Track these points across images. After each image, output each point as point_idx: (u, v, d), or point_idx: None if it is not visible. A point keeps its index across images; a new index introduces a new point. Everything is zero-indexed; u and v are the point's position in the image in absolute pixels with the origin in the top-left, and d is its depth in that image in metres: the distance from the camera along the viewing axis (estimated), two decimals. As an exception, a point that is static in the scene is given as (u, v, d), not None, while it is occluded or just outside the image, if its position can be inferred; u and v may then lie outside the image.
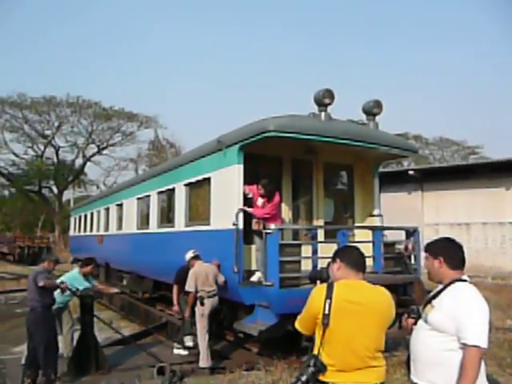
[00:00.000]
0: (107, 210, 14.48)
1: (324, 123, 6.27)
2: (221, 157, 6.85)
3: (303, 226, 7.66)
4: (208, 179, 7.37)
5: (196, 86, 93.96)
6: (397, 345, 6.65)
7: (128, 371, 6.25)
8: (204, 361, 6.17)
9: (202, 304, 6.31)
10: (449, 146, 45.65)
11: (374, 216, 8.32)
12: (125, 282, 12.88)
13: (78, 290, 6.39)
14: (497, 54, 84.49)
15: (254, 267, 6.64)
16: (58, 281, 6.31)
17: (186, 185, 8.43)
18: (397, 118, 51.55)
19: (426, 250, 2.71)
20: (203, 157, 7.64)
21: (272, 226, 5.79)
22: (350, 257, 2.59)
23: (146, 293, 11.21)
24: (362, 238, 7.01)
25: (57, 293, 6.03)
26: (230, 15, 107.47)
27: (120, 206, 12.95)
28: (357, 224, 8.34)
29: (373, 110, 6.87)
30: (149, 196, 10.46)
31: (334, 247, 6.03)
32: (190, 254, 6.74)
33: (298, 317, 2.62)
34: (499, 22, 68.89)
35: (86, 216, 18.34)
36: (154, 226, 10.06)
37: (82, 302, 6.31)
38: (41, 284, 5.50)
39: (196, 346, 6.51)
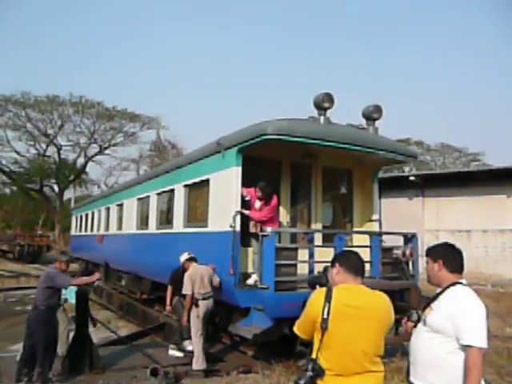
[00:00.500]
0: (108, 209, 14.50)
1: (323, 127, 6.26)
2: (220, 159, 6.85)
3: (300, 229, 7.64)
4: (207, 181, 7.38)
5: (198, 88, 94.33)
6: (395, 351, 6.62)
7: (122, 371, 6.23)
8: (198, 363, 6.15)
9: (197, 306, 6.30)
10: (450, 153, 45.58)
11: (372, 221, 8.30)
12: (123, 282, 12.88)
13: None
14: (499, 60, 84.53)
15: (250, 270, 6.62)
16: None
17: (185, 186, 8.43)
18: (399, 124, 51.59)
19: (426, 254, 2.78)
20: (203, 158, 7.65)
21: (268, 228, 5.78)
22: (349, 261, 2.60)
23: (144, 293, 11.20)
24: (360, 243, 7.01)
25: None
26: (231, 16, 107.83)
27: (120, 206, 12.97)
28: (355, 229, 8.33)
29: (372, 114, 6.86)
30: (149, 197, 10.47)
31: (331, 251, 6.10)
32: (184, 256, 6.74)
33: (297, 321, 2.62)
34: (502, 28, 68.83)
35: (87, 215, 18.37)
36: (153, 227, 10.07)
37: (77, 302, 6.30)
38: (75, 282, 5.68)
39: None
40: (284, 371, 5.38)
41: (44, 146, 41.59)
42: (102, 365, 6.35)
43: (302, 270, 6.14)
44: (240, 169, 6.44)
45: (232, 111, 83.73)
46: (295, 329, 2.61)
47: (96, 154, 43.26)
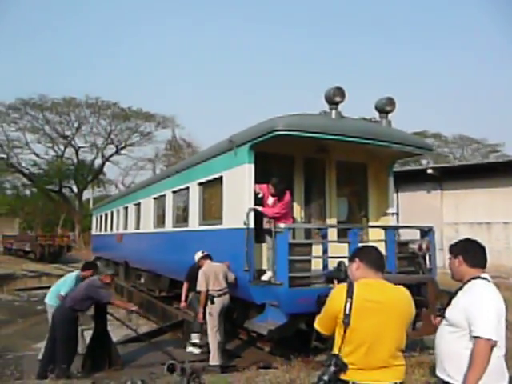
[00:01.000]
0: (126, 209, 14.71)
1: (334, 121, 6.20)
2: (232, 156, 6.86)
3: (314, 225, 7.59)
4: (220, 178, 7.40)
5: (213, 86, 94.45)
6: (415, 345, 6.58)
7: (141, 368, 6.33)
8: (214, 359, 6.21)
9: (213, 302, 6.35)
10: (469, 144, 44.70)
11: (388, 215, 8.21)
12: (142, 281, 13.07)
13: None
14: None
15: (265, 266, 6.63)
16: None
17: (199, 184, 8.48)
18: (416, 117, 50.78)
19: (449, 251, 2.85)
20: (215, 156, 7.67)
21: (281, 225, 5.78)
22: (369, 256, 2.61)
23: (163, 291, 11.33)
24: (376, 237, 6.93)
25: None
26: (246, 14, 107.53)
27: (138, 205, 13.14)
28: (371, 223, 8.25)
29: (385, 107, 6.76)
30: (164, 195, 10.57)
31: (345, 247, 6.07)
32: (199, 254, 6.80)
33: (317, 317, 2.63)
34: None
35: (106, 215, 18.64)
36: (169, 225, 10.16)
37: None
38: (112, 300, 5.87)
39: (205, 344, 6.56)
40: (304, 366, 5.38)
41: (62, 147, 42.45)
42: (122, 361, 6.47)
43: (317, 265, 6.12)
44: (252, 166, 6.43)
45: (247, 108, 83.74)
46: (316, 325, 2.62)
47: (113, 155, 43.90)
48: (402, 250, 6.73)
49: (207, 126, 77.12)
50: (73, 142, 42.16)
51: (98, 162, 43.88)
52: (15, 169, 40.87)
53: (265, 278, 6.24)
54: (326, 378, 2.34)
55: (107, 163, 44.31)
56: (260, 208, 6.47)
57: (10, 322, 10.37)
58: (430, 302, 5.85)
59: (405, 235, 8.21)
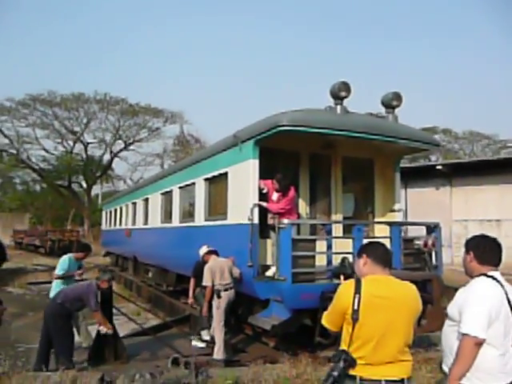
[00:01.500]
0: (134, 204, 14.83)
1: (340, 116, 6.17)
2: (237, 152, 6.86)
3: (318, 220, 7.57)
4: (225, 174, 7.41)
5: (221, 82, 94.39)
6: (422, 342, 6.56)
7: (146, 361, 6.39)
8: (219, 353, 6.25)
9: (219, 297, 6.39)
10: (479, 140, 44.14)
11: (394, 211, 8.16)
12: (150, 275, 13.19)
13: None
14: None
15: (270, 262, 6.64)
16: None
17: (205, 180, 8.51)
18: (425, 112, 50.27)
19: (464, 245, 2.84)
20: (221, 152, 7.69)
21: (285, 220, 5.77)
22: (376, 252, 2.61)
23: (170, 286, 11.42)
24: (382, 234, 6.90)
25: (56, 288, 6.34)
26: (252, 9, 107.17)
27: (146, 200, 13.24)
28: (377, 219, 8.20)
29: (392, 102, 6.71)
30: (171, 191, 10.63)
31: (351, 242, 6.05)
32: (203, 249, 6.82)
33: (325, 313, 2.65)
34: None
35: (115, 210, 18.81)
36: (176, 221, 10.22)
37: (101, 294, 6.47)
38: (94, 310, 5.78)
39: (213, 338, 6.59)
40: (311, 361, 5.40)
41: (71, 143, 42.67)
42: (127, 355, 6.53)
43: (321, 261, 6.11)
44: (257, 161, 6.43)
45: (255, 104, 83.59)
46: (323, 321, 2.64)
47: (121, 150, 44.04)
48: (408, 247, 6.71)
49: (215, 122, 77.20)
50: (82, 138, 42.40)
51: (107, 157, 44.13)
52: (25, 164, 41.23)
53: (269, 273, 6.25)
54: (335, 373, 2.36)
55: (116, 159, 44.53)
56: (264, 204, 6.47)
57: (21, 315, 10.52)
58: (435, 298, 5.82)
59: (412, 232, 8.15)
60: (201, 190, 8.63)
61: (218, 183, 8.02)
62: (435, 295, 5.84)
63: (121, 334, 7.22)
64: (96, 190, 47.03)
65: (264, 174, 6.69)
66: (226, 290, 6.41)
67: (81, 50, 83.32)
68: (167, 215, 11.02)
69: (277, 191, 6.59)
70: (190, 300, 7.51)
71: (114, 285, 14.04)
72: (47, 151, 41.88)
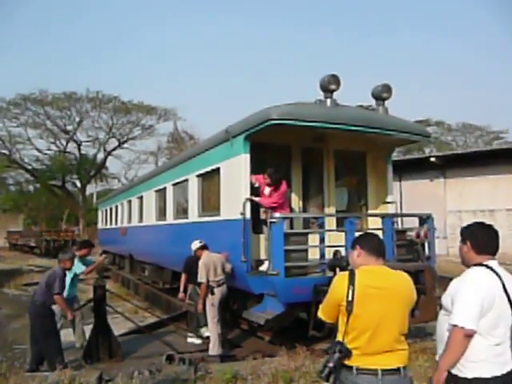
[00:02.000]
0: (129, 202, 14.80)
1: (329, 109, 6.15)
2: (228, 147, 6.84)
3: (309, 214, 7.57)
4: (217, 169, 7.39)
5: (213, 77, 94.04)
6: (418, 332, 6.60)
7: (142, 359, 6.38)
8: (214, 349, 6.26)
9: (213, 293, 6.39)
10: (472, 132, 44.34)
11: (387, 203, 8.18)
12: (146, 273, 13.17)
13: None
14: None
15: (263, 256, 6.64)
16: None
17: (198, 176, 8.48)
18: (419, 104, 50.35)
19: (460, 234, 2.78)
20: (213, 147, 7.66)
21: (276, 214, 5.77)
22: (370, 243, 2.63)
23: (166, 283, 11.41)
24: (376, 226, 6.91)
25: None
26: (243, 6, 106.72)
27: (140, 198, 13.22)
28: (370, 211, 8.22)
29: (382, 94, 6.70)
30: (165, 188, 10.60)
31: (343, 235, 6.06)
32: (196, 245, 6.81)
33: (320, 306, 2.66)
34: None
35: (111, 209, 18.78)
36: (170, 218, 10.20)
37: (95, 292, 6.46)
38: (56, 297, 5.67)
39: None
40: (309, 354, 5.42)
41: (64, 142, 42.44)
42: (122, 353, 6.52)
43: (314, 254, 6.12)
44: (248, 156, 6.42)
45: (249, 99, 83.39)
46: (319, 313, 2.65)
47: (115, 149, 43.85)
48: (401, 238, 6.72)
49: (210, 118, 76.90)
50: (75, 137, 42.16)
51: (101, 156, 43.94)
52: (18, 165, 40.99)
53: (263, 268, 6.25)
54: (331, 364, 2.38)
55: (110, 157, 44.38)
56: (256, 198, 6.46)
57: (18, 316, 10.46)
58: (428, 289, 5.84)
59: (407, 223, 8.16)
60: (194, 187, 8.61)
61: (210, 179, 8.00)
62: (428, 286, 5.87)
63: (117, 333, 7.22)
64: (90, 189, 46.91)
65: (256, 169, 6.68)
66: (218, 285, 6.42)
67: (71, 49, 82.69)
68: (161, 212, 11.00)
69: (268, 185, 6.59)
70: (181, 294, 7.54)
71: (111, 283, 13.99)
72: (40, 151, 41.69)
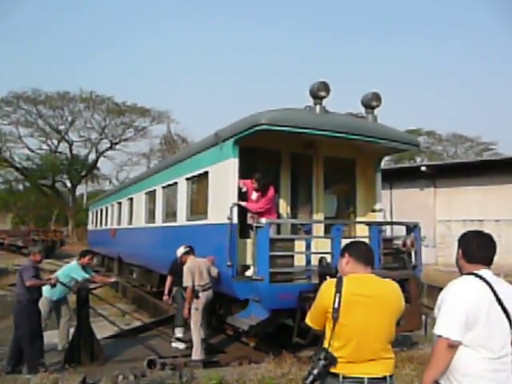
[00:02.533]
0: (120, 204, 14.70)
1: (318, 116, 6.16)
2: (218, 151, 6.82)
3: (296, 220, 7.54)
4: (206, 173, 7.37)
5: (207, 81, 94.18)
6: (405, 341, 6.59)
7: (124, 363, 6.30)
8: (197, 354, 6.20)
9: (197, 297, 6.34)
10: (462, 143, 44.81)
11: (375, 211, 8.19)
12: (135, 276, 13.07)
13: (76, 281, 6.53)
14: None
15: (250, 261, 6.60)
16: (54, 275, 6.43)
17: (187, 179, 8.44)
18: (410, 115, 50.81)
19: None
20: (202, 151, 7.64)
21: (263, 220, 5.75)
22: (358, 251, 2.62)
23: (154, 286, 11.32)
24: (364, 233, 6.90)
25: (48, 288, 6.18)
26: (234, 10, 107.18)
27: (130, 200, 13.14)
28: (358, 219, 8.23)
29: (371, 102, 6.73)
30: (155, 191, 10.54)
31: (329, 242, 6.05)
32: (181, 250, 6.79)
33: (308, 312, 2.65)
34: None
35: (101, 210, 18.67)
36: (159, 221, 10.14)
37: (78, 295, 6.39)
38: (28, 284, 5.63)
39: (190, 339, 6.54)
40: (296, 361, 5.39)
41: (56, 142, 42.25)
42: (104, 356, 6.44)
43: (301, 261, 6.10)
44: (237, 160, 6.39)
45: (243, 103, 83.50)
46: (307, 320, 2.63)
47: (107, 150, 43.69)
48: (387, 246, 6.73)
49: (203, 122, 76.83)
50: (66, 137, 41.95)
51: (92, 156, 43.77)
52: (8, 163, 40.59)
53: (249, 273, 6.22)
54: (315, 371, 2.36)
55: (101, 158, 44.18)
56: (243, 203, 6.44)
57: (3, 316, 10.29)
58: (413, 298, 5.84)
59: (397, 232, 8.16)
60: (183, 190, 8.57)
61: (199, 183, 7.96)
62: (413, 295, 5.86)
63: (102, 336, 7.14)
64: (81, 189, 46.53)
65: (246, 174, 6.66)
66: (204, 290, 6.37)
67: (65, 49, 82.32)
68: (151, 215, 10.94)
69: (256, 191, 6.57)
70: (165, 297, 7.53)
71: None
72: (31, 150, 41.35)
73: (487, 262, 2.52)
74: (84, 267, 6.95)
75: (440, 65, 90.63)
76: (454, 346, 2.34)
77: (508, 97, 78.21)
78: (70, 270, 6.84)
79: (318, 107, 6.18)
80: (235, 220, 6.18)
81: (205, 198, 7.39)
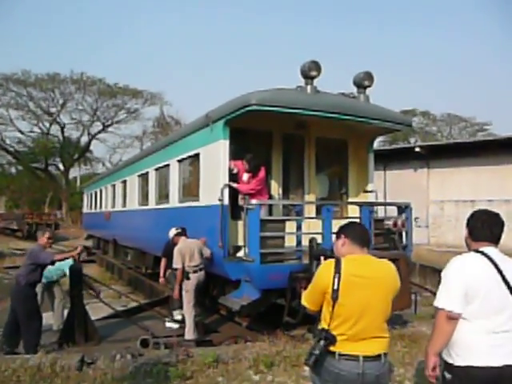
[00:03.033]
0: (114, 187, 14.66)
1: (309, 96, 6.10)
2: (208, 132, 6.77)
3: (287, 201, 7.55)
4: (197, 155, 7.33)
5: (202, 62, 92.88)
6: (397, 319, 6.70)
7: (118, 343, 6.37)
8: (190, 333, 6.28)
9: (188, 278, 6.39)
10: (457, 123, 44.72)
11: (367, 192, 8.21)
12: (129, 258, 13.13)
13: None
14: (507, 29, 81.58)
15: (241, 242, 6.63)
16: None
17: (178, 161, 8.40)
18: (405, 95, 50.56)
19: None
20: (193, 132, 7.57)
21: (253, 201, 5.75)
22: (354, 232, 2.63)
23: (148, 268, 11.39)
24: (356, 214, 6.93)
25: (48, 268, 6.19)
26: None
27: (124, 183, 13.10)
28: (350, 200, 8.25)
29: (363, 82, 6.66)
30: (148, 173, 10.50)
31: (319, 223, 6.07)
32: (172, 231, 6.79)
33: (304, 293, 2.66)
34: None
35: (96, 193, 18.61)
36: (152, 203, 10.13)
37: (71, 276, 6.41)
38: (55, 258, 5.72)
39: (183, 319, 6.61)
40: (290, 339, 5.47)
41: (47, 124, 41.70)
42: (99, 336, 6.51)
43: (292, 242, 6.13)
44: (227, 142, 6.35)
45: (237, 84, 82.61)
46: (303, 301, 2.65)
47: (99, 132, 43.25)
48: (378, 227, 6.77)
49: (196, 103, 76.08)
50: (58, 119, 41.41)
51: (85, 139, 43.33)
52: (0, 146, 40.16)
53: (240, 254, 6.25)
54: (317, 352, 2.40)
55: (94, 141, 43.77)
56: (234, 184, 6.43)
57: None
58: (403, 278, 5.89)
59: (390, 213, 8.19)
60: (175, 172, 8.53)
61: (190, 164, 7.93)
62: (403, 274, 5.89)
63: (95, 317, 7.19)
64: (74, 172, 46.24)
65: (237, 155, 6.62)
66: (195, 271, 6.41)
67: (56, 29, 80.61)
68: (144, 197, 10.93)
69: (247, 172, 6.56)
70: (161, 279, 7.54)
71: (96, 268, 13.85)
72: (22, 133, 40.88)
73: (493, 239, 2.54)
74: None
75: (435, 45, 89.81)
76: (453, 318, 2.40)
77: (503, 77, 77.90)
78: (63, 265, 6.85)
79: (309, 87, 6.11)
80: (226, 201, 6.18)
81: (196, 179, 7.37)
